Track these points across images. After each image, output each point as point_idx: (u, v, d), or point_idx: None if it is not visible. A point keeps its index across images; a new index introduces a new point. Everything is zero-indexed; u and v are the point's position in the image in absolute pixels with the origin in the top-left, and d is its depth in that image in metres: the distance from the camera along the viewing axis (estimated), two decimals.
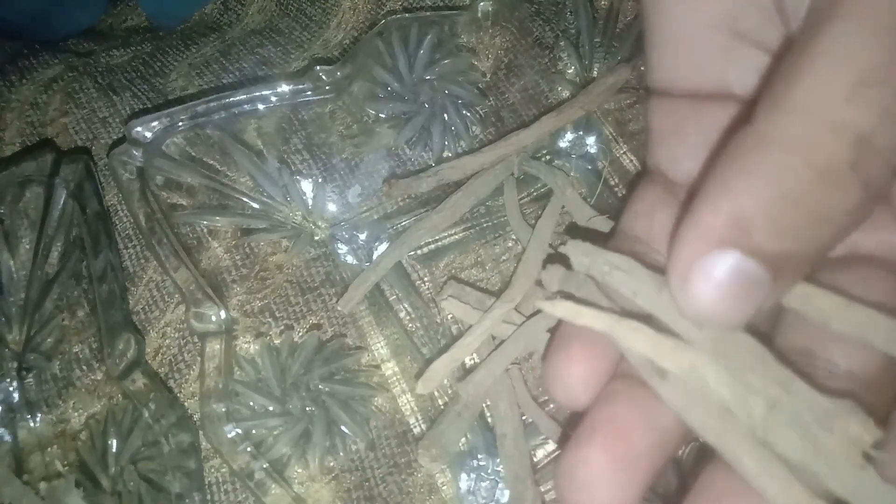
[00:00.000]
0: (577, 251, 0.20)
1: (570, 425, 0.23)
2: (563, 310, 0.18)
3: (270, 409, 0.24)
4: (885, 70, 0.13)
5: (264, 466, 0.23)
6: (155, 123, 0.26)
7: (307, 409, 0.24)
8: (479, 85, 0.30)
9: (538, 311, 0.24)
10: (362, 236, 0.28)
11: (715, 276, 0.14)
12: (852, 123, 0.13)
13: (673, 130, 0.22)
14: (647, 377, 0.17)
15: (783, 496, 0.14)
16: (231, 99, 0.27)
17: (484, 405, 0.25)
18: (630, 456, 0.16)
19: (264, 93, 0.27)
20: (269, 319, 0.27)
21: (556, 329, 0.20)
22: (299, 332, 0.27)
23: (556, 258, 0.25)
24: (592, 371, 0.18)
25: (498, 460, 0.24)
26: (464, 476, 0.24)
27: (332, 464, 0.25)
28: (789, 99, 0.14)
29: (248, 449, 0.23)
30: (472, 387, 0.24)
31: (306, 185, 0.28)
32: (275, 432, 0.24)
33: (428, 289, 0.28)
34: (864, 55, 0.13)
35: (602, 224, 0.27)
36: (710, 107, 0.21)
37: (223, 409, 0.23)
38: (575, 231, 0.27)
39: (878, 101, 0.13)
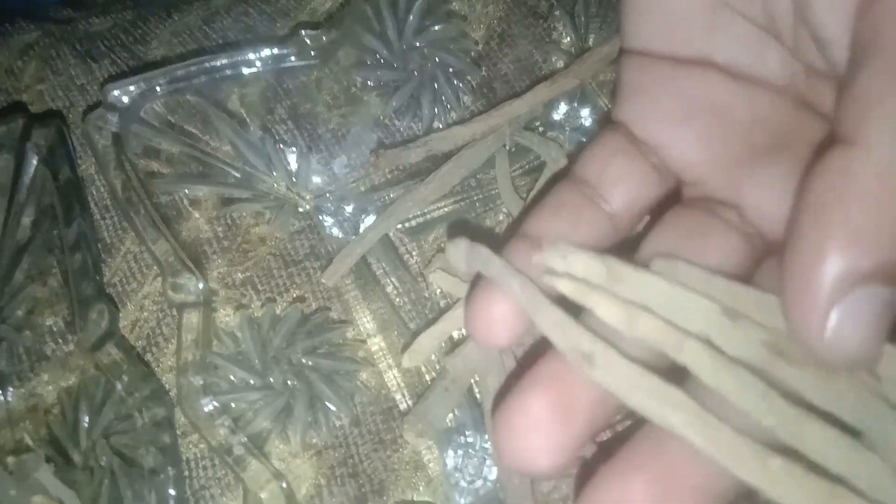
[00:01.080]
0: (461, 256, 0.19)
1: None
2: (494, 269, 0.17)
3: (251, 382, 0.23)
4: None
5: (243, 441, 0.22)
6: (132, 87, 0.25)
7: (289, 383, 0.24)
8: (472, 54, 0.30)
9: None
10: (349, 208, 0.28)
11: (860, 313, 0.13)
12: None
13: (644, 88, 0.21)
14: (575, 363, 0.16)
15: (734, 458, 0.14)
16: (212, 63, 0.26)
17: (472, 380, 0.24)
18: (569, 409, 0.16)
19: (246, 57, 0.26)
20: (251, 292, 0.26)
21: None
22: (282, 305, 0.26)
23: (460, 229, 0.23)
24: (513, 310, 0.18)
25: (486, 437, 0.23)
26: (450, 452, 0.24)
27: (314, 440, 0.24)
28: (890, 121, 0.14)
29: (227, 423, 0.22)
30: (460, 361, 0.23)
31: (291, 156, 0.27)
32: (255, 406, 0.23)
33: (416, 262, 0.27)
34: None
35: None
36: (687, 71, 0.20)
37: (200, 382, 0.22)
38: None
39: None
